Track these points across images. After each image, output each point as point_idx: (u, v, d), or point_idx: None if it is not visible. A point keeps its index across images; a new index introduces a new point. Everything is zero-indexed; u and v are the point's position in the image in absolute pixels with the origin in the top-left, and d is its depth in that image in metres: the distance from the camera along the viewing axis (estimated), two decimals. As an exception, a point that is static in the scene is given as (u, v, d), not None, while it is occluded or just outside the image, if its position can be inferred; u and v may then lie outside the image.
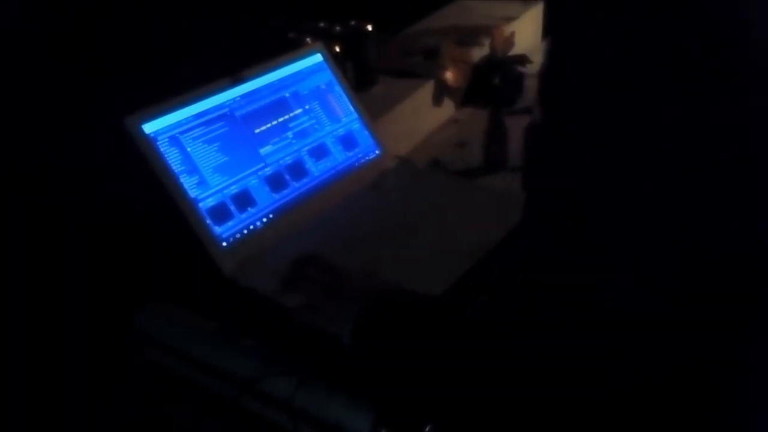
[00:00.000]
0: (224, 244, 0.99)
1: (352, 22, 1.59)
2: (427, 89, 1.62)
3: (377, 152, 1.19)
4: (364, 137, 1.19)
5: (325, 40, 1.36)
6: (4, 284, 1.16)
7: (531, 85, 1.71)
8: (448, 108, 1.68)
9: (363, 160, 1.17)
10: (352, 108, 1.19)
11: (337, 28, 1.55)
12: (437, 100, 1.63)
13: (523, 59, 1.74)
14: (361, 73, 1.50)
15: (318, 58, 1.18)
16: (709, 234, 0.58)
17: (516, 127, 1.50)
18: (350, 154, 1.16)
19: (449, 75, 1.63)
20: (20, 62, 1.17)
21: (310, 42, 1.49)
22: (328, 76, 1.18)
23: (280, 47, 1.49)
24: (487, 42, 1.76)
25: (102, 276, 1.16)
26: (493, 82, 1.62)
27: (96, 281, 1.17)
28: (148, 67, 1.24)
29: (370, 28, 1.57)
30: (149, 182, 0.98)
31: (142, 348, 0.99)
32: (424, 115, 1.62)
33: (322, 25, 1.56)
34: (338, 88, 1.19)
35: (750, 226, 0.59)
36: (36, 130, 1.19)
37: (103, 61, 1.23)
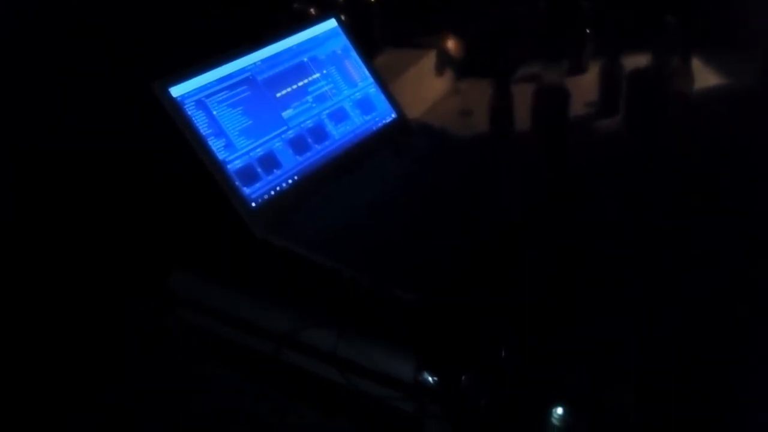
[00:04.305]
0: (253, 204, 1.00)
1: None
2: (429, 59, 1.64)
3: (393, 116, 1.21)
4: (381, 101, 1.20)
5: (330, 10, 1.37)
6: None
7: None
8: (449, 78, 1.70)
9: (380, 123, 1.19)
10: (367, 72, 1.20)
11: (340, -1, 1.56)
12: (439, 70, 1.65)
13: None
14: (364, 44, 1.52)
15: (332, 23, 1.20)
16: None
17: (518, 94, 1.53)
18: (368, 117, 1.18)
19: (450, 44, 1.65)
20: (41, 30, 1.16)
21: (314, 12, 1.50)
22: (343, 41, 1.20)
23: (286, 18, 1.50)
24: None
25: (132, 244, 1.17)
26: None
27: (126, 249, 1.17)
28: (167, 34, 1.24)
29: (373, -1, 1.59)
30: (176, 147, 0.99)
31: (176, 310, 1.00)
32: (427, 84, 1.64)
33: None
34: (353, 53, 1.20)
35: None
36: (58, 97, 1.18)
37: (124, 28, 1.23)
